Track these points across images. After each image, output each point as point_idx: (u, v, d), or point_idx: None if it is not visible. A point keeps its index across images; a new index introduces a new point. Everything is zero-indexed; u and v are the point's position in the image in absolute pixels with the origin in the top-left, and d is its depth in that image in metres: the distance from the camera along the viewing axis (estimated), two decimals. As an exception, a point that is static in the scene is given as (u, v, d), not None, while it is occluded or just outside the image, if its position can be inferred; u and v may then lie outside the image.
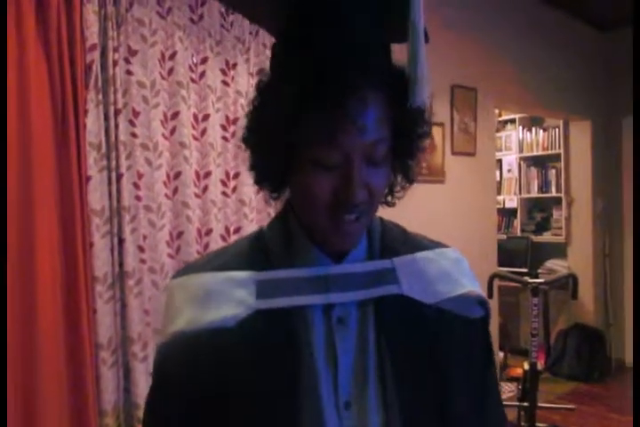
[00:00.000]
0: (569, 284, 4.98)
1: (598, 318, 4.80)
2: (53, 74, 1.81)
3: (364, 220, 0.67)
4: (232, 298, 0.68)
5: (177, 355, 0.68)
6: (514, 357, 4.62)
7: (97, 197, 1.96)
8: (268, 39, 2.31)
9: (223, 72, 2.28)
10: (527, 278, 2.95)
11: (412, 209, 3.09)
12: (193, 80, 2.22)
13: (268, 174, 0.70)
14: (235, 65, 2.30)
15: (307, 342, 0.67)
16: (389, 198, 0.75)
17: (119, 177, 2.02)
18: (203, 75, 2.24)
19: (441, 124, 3.37)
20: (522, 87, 3.98)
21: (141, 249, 2.11)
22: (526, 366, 3.02)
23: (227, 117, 2.30)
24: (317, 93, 0.59)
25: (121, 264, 2.06)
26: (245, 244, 0.76)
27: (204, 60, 2.23)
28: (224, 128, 2.30)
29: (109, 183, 2.01)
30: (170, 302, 0.72)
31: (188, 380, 0.67)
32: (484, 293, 0.81)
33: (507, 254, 5.12)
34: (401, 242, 0.77)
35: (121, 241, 2.05)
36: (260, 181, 0.71)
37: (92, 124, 1.92)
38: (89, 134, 1.92)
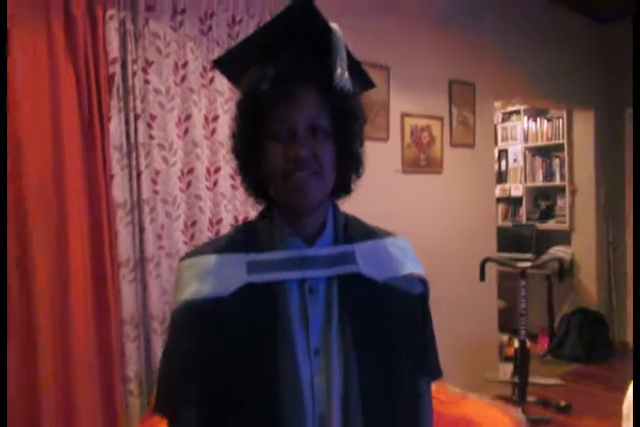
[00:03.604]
0: (572, 269, 5.19)
1: (601, 302, 4.93)
2: (81, 85, 2.06)
3: (316, 181, 0.85)
4: (227, 274, 0.87)
5: (186, 317, 0.88)
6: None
7: (120, 192, 2.20)
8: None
9: (230, 77, 2.52)
10: (516, 263, 3.14)
11: (410, 198, 3.32)
12: (203, 85, 2.44)
13: (250, 177, 0.94)
14: (241, 71, 2.52)
15: (284, 306, 0.85)
16: (347, 185, 0.94)
17: (139, 174, 2.26)
18: (212, 80, 2.46)
19: (440, 118, 3.53)
20: (522, 80, 4.08)
21: (159, 237, 2.34)
22: (516, 345, 3.23)
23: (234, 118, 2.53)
24: (270, 93, 0.84)
25: (142, 250, 2.30)
26: (240, 231, 0.97)
27: (213, 68, 2.45)
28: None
29: (130, 180, 2.25)
30: (179, 278, 0.92)
31: (196, 335, 0.86)
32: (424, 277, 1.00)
33: (513, 241, 5.25)
34: (360, 231, 0.96)
35: (141, 230, 2.29)
36: (247, 188, 0.95)
37: (115, 128, 2.17)
38: (112, 137, 2.16)
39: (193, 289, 0.87)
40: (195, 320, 0.87)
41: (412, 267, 0.96)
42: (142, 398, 2.30)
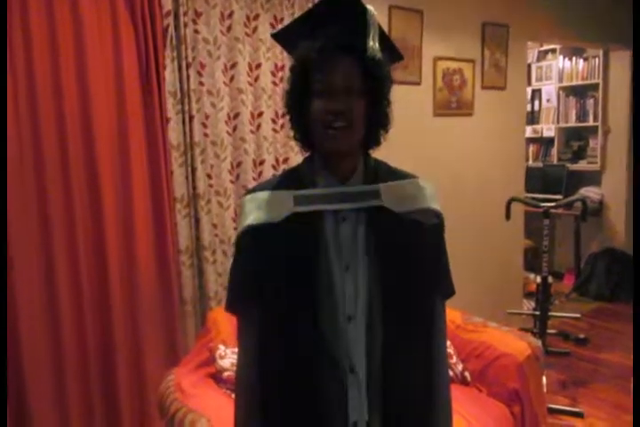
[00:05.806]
0: (601, 210, 5.28)
1: (629, 243, 4.98)
2: (139, 37, 2.26)
3: (348, 131, 1.03)
4: (280, 206, 1.09)
5: (248, 238, 1.11)
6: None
7: (175, 134, 2.43)
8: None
9: (272, 26, 2.65)
10: (541, 203, 3.27)
11: (441, 140, 3.47)
12: (247, 34, 2.60)
13: (298, 127, 1.12)
14: (282, 19, 2.66)
15: (322, 231, 1.08)
16: (376, 138, 1.13)
17: (191, 118, 2.47)
18: (255, 29, 2.62)
19: (471, 61, 3.61)
20: (557, 20, 4.05)
21: (209, 176, 2.58)
22: (538, 280, 3.41)
23: (275, 65, 2.69)
24: (316, 60, 1.04)
25: (194, 188, 2.54)
26: (288, 173, 1.21)
27: (256, 17, 2.61)
28: (273, 74, 2.70)
29: (183, 123, 2.46)
30: (243, 208, 1.14)
31: (255, 252, 1.10)
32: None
33: (543, 182, 5.33)
34: (386, 173, 1.16)
35: (193, 170, 2.52)
36: (296, 137, 1.14)
37: (169, 75, 2.38)
38: (167, 84, 2.37)
39: (253, 217, 1.10)
40: (255, 239, 1.10)
41: (428, 202, 1.14)
42: (196, 318, 2.61)
